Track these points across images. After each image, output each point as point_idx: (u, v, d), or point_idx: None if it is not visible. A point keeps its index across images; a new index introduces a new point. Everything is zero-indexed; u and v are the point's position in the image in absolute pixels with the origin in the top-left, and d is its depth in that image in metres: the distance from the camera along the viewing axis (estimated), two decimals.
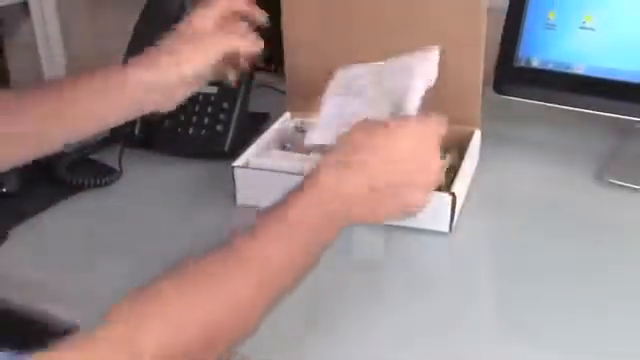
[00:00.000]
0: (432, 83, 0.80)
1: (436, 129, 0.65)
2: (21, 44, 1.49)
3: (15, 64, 1.51)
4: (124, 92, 0.73)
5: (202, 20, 0.77)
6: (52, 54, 1.49)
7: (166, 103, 0.76)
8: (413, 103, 0.77)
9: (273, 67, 1.15)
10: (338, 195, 0.59)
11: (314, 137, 0.77)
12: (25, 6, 1.44)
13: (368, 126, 0.63)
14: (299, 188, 0.59)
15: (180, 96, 0.76)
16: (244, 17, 0.80)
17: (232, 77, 0.81)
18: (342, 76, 0.85)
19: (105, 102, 0.73)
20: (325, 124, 0.77)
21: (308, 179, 0.60)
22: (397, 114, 0.74)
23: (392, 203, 0.63)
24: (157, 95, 0.74)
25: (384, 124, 0.63)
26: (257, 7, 0.81)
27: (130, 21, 0.99)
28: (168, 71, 0.73)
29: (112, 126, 0.77)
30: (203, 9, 0.78)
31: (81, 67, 1.52)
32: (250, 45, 0.78)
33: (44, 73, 1.48)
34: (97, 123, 0.75)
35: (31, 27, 1.45)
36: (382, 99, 0.83)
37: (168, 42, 0.75)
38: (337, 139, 0.63)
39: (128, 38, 0.98)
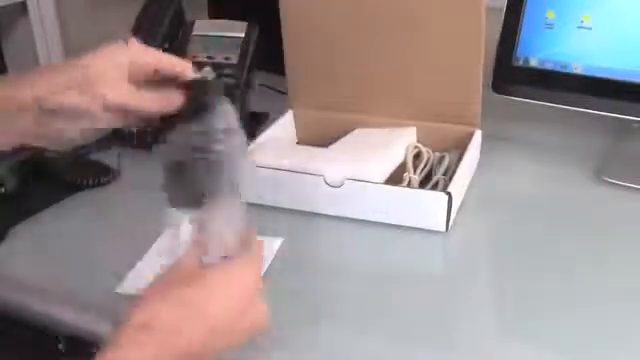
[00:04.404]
0: (396, 164, 0.83)
1: (256, 272, 0.57)
2: (19, 44, 1.48)
3: (13, 65, 1.50)
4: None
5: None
6: (50, 54, 1.49)
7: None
8: (379, 172, 0.79)
9: (273, 66, 1.15)
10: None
11: (126, 285, 0.72)
12: (23, 6, 1.43)
13: (180, 278, 0.53)
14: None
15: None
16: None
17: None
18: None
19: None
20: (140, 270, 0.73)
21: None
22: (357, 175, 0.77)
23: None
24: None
25: (200, 275, 0.53)
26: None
27: (130, 21, 0.99)
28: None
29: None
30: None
31: None
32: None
33: None
34: None
35: (29, 27, 1.45)
36: (344, 154, 0.84)
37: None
38: (145, 292, 0.53)
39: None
